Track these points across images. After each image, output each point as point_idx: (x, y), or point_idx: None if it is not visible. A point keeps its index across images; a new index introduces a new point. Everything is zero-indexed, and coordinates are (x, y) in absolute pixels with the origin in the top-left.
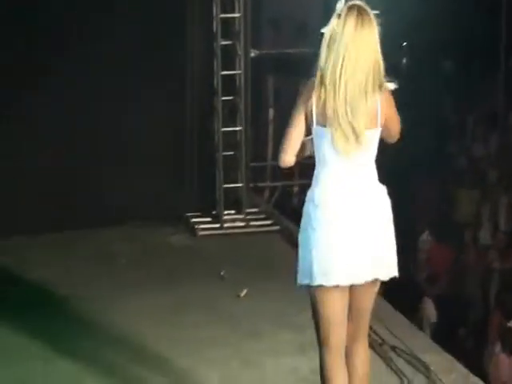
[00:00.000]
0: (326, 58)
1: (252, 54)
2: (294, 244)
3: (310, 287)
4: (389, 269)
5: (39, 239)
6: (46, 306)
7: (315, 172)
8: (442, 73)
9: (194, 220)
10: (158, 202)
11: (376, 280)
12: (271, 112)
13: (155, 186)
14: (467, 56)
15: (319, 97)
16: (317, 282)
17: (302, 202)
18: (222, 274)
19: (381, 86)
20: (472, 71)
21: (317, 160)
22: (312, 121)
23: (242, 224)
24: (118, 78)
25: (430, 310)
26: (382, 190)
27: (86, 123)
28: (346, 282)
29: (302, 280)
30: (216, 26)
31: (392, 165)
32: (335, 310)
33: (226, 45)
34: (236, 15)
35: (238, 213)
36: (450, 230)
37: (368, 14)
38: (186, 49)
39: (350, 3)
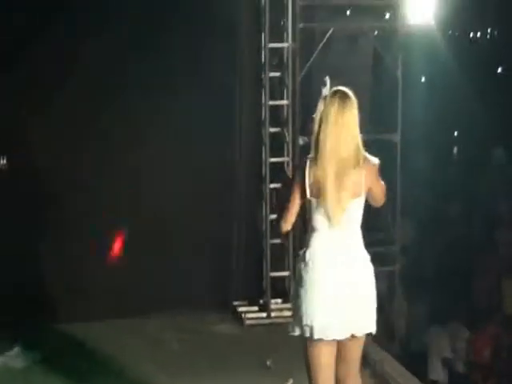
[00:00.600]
0: (317, 138)
1: (300, 142)
2: None
3: (301, 337)
4: (366, 326)
5: (94, 326)
6: None
7: (307, 236)
8: (492, 161)
9: (242, 309)
10: (205, 290)
11: (357, 337)
12: None
13: (203, 275)
14: None
15: (311, 172)
16: (306, 334)
17: None
18: (268, 363)
19: (362, 161)
20: None
21: (309, 226)
22: (306, 193)
23: (289, 313)
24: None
25: None
26: (366, 257)
27: (133, 212)
28: (329, 337)
29: (294, 330)
30: (264, 114)
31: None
32: (320, 358)
33: (274, 132)
34: (284, 102)
35: (285, 302)
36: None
37: (349, 98)
38: (235, 138)
39: (334, 89)
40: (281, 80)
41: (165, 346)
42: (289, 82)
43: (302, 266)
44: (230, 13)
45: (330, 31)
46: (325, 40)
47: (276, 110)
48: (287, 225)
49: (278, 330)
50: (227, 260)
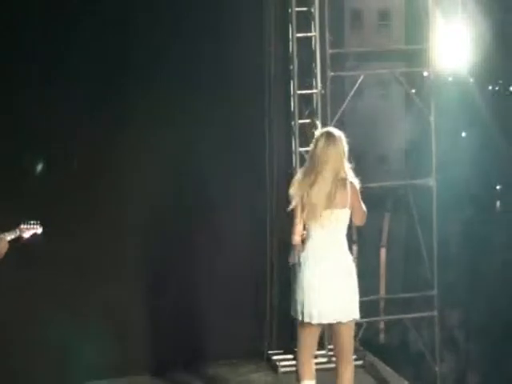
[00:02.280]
0: (307, 167)
1: None
2: (379, 379)
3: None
4: (351, 314)
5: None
6: None
7: (304, 244)
8: None
9: (276, 357)
10: (239, 340)
11: (343, 322)
12: (355, 248)
13: (237, 325)
14: None
15: (306, 193)
16: (299, 318)
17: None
18: None
19: (345, 183)
20: None
21: (306, 234)
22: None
23: (324, 360)
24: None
25: None
26: (349, 257)
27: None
28: (315, 321)
29: (294, 315)
30: (295, 160)
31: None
32: (306, 337)
33: None
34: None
35: (320, 349)
36: None
37: (334, 136)
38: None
39: (323, 130)
40: (311, 127)
41: None
42: (319, 128)
43: (297, 267)
44: (260, 61)
45: (361, 78)
46: (355, 87)
47: (306, 155)
48: (296, 236)
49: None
50: (260, 310)
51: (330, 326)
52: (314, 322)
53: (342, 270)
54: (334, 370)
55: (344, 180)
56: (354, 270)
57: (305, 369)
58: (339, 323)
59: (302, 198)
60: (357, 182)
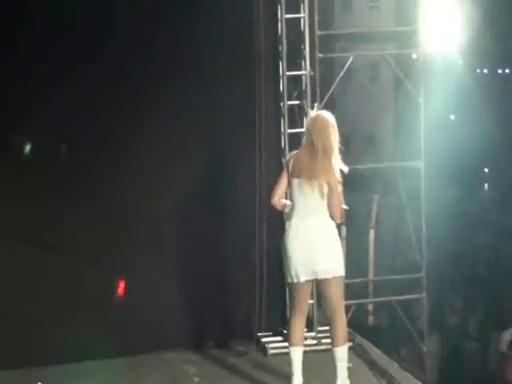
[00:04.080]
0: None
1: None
2: (367, 360)
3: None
4: (337, 272)
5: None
6: None
7: (290, 212)
8: None
9: (265, 340)
10: (229, 322)
11: (328, 279)
12: (343, 230)
13: (226, 308)
14: None
15: (294, 160)
16: (288, 280)
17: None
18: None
19: (332, 164)
20: None
21: (291, 203)
22: (289, 174)
23: (313, 342)
24: None
25: None
26: (331, 222)
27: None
28: (303, 279)
29: (286, 279)
30: (284, 142)
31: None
32: (299, 294)
33: None
34: (303, 130)
35: (309, 331)
36: None
37: (328, 120)
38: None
39: (319, 111)
40: (300, 109)
41: (188, 379)
42: (308, 110)
43: (285, 234)
44: (249, 42)
45: (350, 60)
46: (345, 69)
47: (295, 137)
48: (274, 195)
49: (303, 358)
50: (250, 292)
51: (319, 288)
52: (302, 279)
53: (325, 231)
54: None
55: (329, 165)
56: (337, 234)
57: (296, 335)
58: (326, 281)
59: (290, 166)
60: (345, 169)
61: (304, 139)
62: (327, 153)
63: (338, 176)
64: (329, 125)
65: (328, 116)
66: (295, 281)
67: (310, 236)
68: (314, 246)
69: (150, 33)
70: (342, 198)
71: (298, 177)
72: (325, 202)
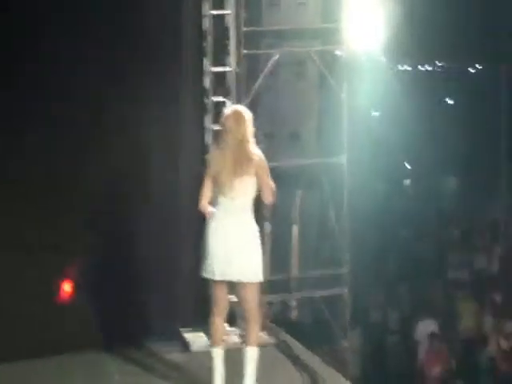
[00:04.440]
0: (220, 141)
1: None
2: (291, 356)
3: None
4: (252, 276)
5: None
6: None
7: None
8: (444, 189)
9: (188, 335)
10: (151, 318)
11: (244, 282)
12: (268, 226)
13: (148, 303)
14: (469, 171)
15: (216, 158)
16: (203, 275)
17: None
18: None
19: (251, 156)
20: (474, 185)
21: (214, 201)
22: (212, 174)
23: (236, 338)
24: None
25: None
26: (253, 223)
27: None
28: (218, 278)
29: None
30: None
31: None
32: (216, 291)
33: None
34: None
35: (231, 326)
36: None
37: (242, 115)
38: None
39: (232, 107)
40: (226, 105)
41: (109, 376)
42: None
43: (206, 230)
44: (174, 37)
45: (276, 57)
46: (269, 65)
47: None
48: (202, 198)
49: (226, 354)
50: (173, 287)
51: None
52: (217, 278)
53: (246, 234)
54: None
55: (250, 153)
56: (258, 236)
57: (216, 334)
58: (242, 283)
59: (211, 166)
60: (263, 159)
61: (222, 138)
62: (246, 144)
63: (263, 161)
64: (244, 118)
65: (243, 110)
66: (211, 277)
67: (229, 237)
68: (233, 248)
69: (72, 29)
70: (271, 183)
71: (220, 176)
72: (250, 201)
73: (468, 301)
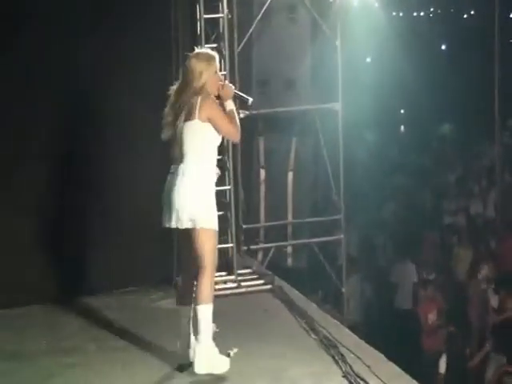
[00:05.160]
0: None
1: (241, 115)
2: (286, 302)
3: None
4: (200, 222)
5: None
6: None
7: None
8: (439, 136)
9: None
10: (146, 266)
11: (191, 229)
12: (262, 173)
13: (144, 251)
14: (464, 118)
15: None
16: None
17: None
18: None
19: (198, 94)
20: (469, 132)
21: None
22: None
23: (233, 285)
24: None
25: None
26: (200, 171)
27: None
28: (168, 225)
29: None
30: None
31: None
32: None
33: None
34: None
35: (229, 274)
36: None
37: (200, 54)
38: None
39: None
40: (218, 51)
41: (106, 325)
42: (226, 53)
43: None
44: None
45: (268, 2)
46: (262, 11)
47: None
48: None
49: (223, 301)
50: (168, 235)
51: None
52: (168, 225)
53: (192, 181)
54: None
55: (197, 94)
56: (208, 183)
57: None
58: (190, 231)
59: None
60: (249, 100)
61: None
62: (196, 90)
63: (211, 107)
64: (200, 61)
65: (203, 53)
66: (166, 225)
67: (175, 182)
68: (179, 194)
69: None
70: (227, 120)
71: (172, 119)
72: (199, 145)
73: (463, 247)
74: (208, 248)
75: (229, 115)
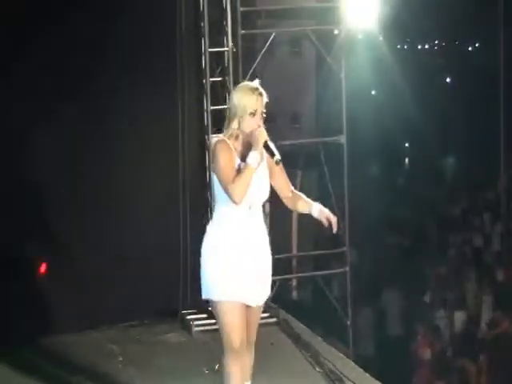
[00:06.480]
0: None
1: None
2: (292, 335)
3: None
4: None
5: (43, 341)
6: None
7: None
8: (443, 169)
9: (190, 317)
10: (153, 300)
11: None
12: (267, 206)
13: (150, 285)
14: (468, 151)
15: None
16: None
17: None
18: (216, 367)
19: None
20: (473, 164)
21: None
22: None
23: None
24: None
25: None
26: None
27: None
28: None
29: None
30: (206, 119)
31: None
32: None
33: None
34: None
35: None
36: None
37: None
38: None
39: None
40: (223, 85)
41: (112, 358)
42: (230, 86)
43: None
44: (171, 19)
45: (272, 36)
46: (267, 45)
47: (219, 114)
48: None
49: None
50: (174, 269)
51: None
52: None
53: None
54: None
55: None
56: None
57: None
58: None
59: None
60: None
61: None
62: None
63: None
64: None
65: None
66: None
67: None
68: None
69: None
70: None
71: None
72: (215, 195)
73: (470, 281)
74: (220, 324)
75: (237, 174)
